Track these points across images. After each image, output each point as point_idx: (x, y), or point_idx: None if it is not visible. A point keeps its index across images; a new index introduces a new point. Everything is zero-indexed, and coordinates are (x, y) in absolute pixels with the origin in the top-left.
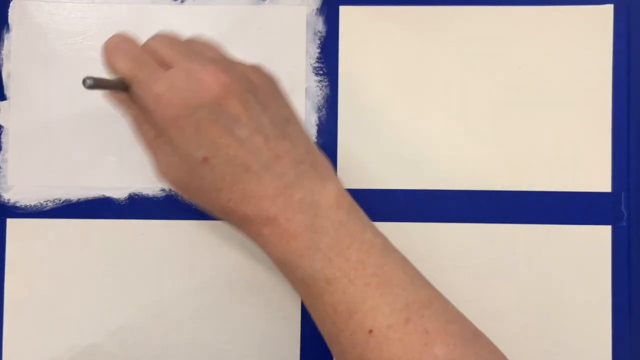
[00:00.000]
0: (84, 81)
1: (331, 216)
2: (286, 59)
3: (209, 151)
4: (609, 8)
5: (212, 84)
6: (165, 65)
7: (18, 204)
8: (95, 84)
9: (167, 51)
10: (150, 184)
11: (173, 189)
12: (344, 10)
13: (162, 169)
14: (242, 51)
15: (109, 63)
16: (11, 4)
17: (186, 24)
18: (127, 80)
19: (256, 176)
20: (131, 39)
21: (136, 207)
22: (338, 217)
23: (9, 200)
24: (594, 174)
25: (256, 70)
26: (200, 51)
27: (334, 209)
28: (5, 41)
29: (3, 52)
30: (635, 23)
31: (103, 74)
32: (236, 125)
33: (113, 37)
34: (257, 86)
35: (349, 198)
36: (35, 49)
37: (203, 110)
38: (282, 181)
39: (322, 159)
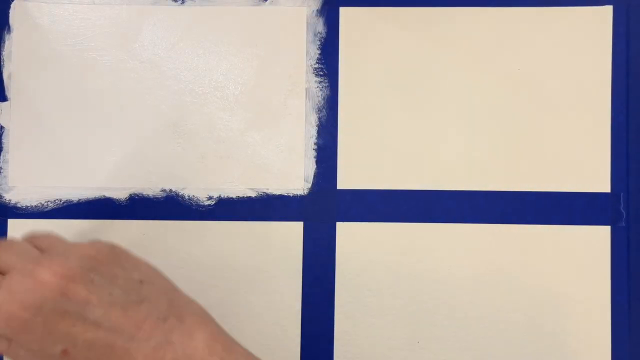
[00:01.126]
0: None
1: None
2: (286, 59)
3: (66, 343)
4: (608, 9)
5: (49, 278)
6: (2, 272)
7: (19, 205)
8: None
9: (2, 256)
10: (150, 184)
11: None
12: (344, 12)
13: None
14: (242, 51)
15: None
16: (12, 5)
17: (186, 25)
18: None
19: (123, 350)
20: None
21: (136, 207)
22: None
23: (10, 201)
24: (593, 175)
25: (93, 245)
26: (39, 246)
27: (208, 357)
28: (6, 42)
29: (4, 53)
30: (634, 24)
31: (104, 78)
32: (87, 309)
33: None
34: (99, 261)
35: (222, 339)
36: (36, 50)
37: (47, 307)
38: (149, 345)
39: (189, 306)
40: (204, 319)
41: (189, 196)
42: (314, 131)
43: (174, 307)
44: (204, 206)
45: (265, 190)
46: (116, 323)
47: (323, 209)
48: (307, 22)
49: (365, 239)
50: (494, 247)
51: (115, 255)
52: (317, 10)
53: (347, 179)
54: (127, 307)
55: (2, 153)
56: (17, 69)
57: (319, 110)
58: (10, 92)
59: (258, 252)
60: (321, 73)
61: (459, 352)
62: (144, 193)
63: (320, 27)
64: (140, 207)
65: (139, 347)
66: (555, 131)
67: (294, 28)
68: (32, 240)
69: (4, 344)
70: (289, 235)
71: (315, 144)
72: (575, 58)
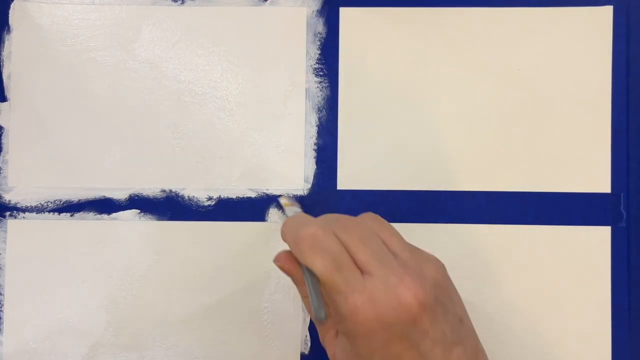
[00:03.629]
0: (317, 312)
1: None
2: (286, 60)
3: None
4: (609, 9)
5: (411, 303)
6: (359, 267)
7: (19, 205)
8: (325, 310)
9: (360, 249)
10: (150, 184)
11: None
12: (344, 12)
13: (334, 356)
14: (242, 51)
15: (307, 259)
16: (12, 5)
17: (186, 25)
18: (323, 280)
19: None
20: (328, 231)
21: (136, 207)
22: None
23: (9, 201)
24: (594, 175)
25: (438, 267)
26: (388, 245)
27: None
28: (6, 42)
29: (4, 53)
30: (634, 24)
31: (104, 78)
32: (422, 340)
33: (309, 228)
34: (442, 290)
35: None
36: (36, 50)
37: (397, 327)
38: None
39: (481, 355)
40: None
41: (189, 196)
42: (314, 131)
43: (477, 352)
44: (204, 206)
45: (265, 191)
46: (435, 359)
47: (323, 209)
48: (307, 22)
49: None
50: (494, 247)
51: (448, 282)
52: (317, 10)
53: (347, 179)
54: (447, 347)
55: (2, 153)
56: (17, 69)
57: (319, 110)
58: (10, 92)
59: (258, 253)
60: (321, 73)
61: None
62: (144, 193)
63: (320, 27)
64: (140, 207)
65: None
66: (555, 131)
67: (294, 28)
68: (380, 232)
69: (332, 332)
70: None
71: (315, 144)
72: (576, 58)
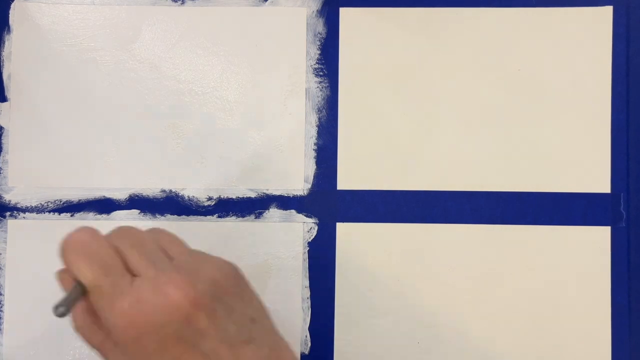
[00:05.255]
0: (55, 309)
1: None
2: (286, 60)
3: None
4: (608, 9)
5: (180, 301)
6: (129, 270)
7: (19, 205)
8: (66, 310)
9: (132, 253)
10: (150, 184)
11: None
12: (344, 12)
13: None
14: (242, 52)
15: (71, 264)
16: (12, 5)
17: (186, 25)
18: (89, 286)
19: None
20: (97, 236)
21: (136, 207)
22: None
23: (9, 201)
24: (594, 175)
25: (222, 269)
26: (166, 250)
27: None
28: (6, 42)
29: (4, 53)
30: (634, 24)
31: (104, 79)
32: (202, 340)
33: (77, 233)
34: (224, 289)
35: None
36: (36, 51)
37: (168, 328)
38: None
39: (287, 352)
40: None
41: (189, 196)
42: (314, 131)
43: (275, 351)
44: (203, 206)
45: (265, 191)
46: (221, 358)
47: (323, 209)
48: (307, 23)
49: (365, 239)
50: (494, 247)
51: (237, 283)
52: (317, 10)
53: (347, 179)
54: (236, 346)
55: (2, 153)
56: (17, 69)
57: (319, 110)
58: (10, 92)
59: (258, 253)
60: (321, 73)
61: (459, 352)
62: (144, 193)
63: (320, 27)
64: (140, 207)
65: None
66: (555, 131)
67: (294, 28)
68: (158, 240)
69: (100, 336)
70: (289, 235)
71: (315, 144)
72: (575, 58)
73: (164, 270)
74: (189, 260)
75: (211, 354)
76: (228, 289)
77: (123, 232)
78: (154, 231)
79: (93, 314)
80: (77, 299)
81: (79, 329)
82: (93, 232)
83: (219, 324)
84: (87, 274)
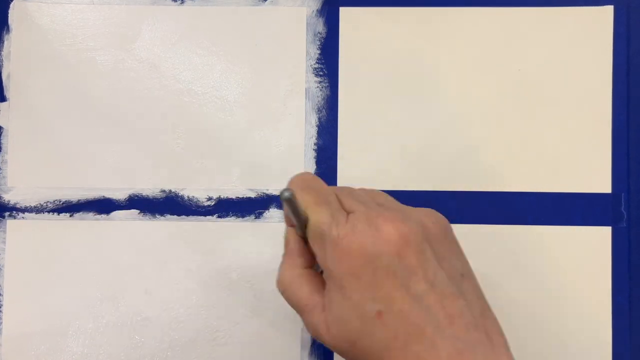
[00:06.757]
0: (283, 192)
1: None
2: (286, 59)
3: (383, 305)
4: (609, 9)
5: (391, 233)
6: (345, 210)
7: (18, 205)
8: (291, 200)
9: (347, 198)
10: (150, 184)
11: (332, 347)
12: (344, 12)
13: (327, 324)
14: (242, 52)
15: (297, 195)
16: (11, 5)
17: (185, 25)
18: (308, 215)
19: (429, 339)
20: (319, 178)
21: (136, 207)
22: None
23: (9, 201)
24: (594, 175)
25: (431, 216)
26: (377, 200)
27: None
28: (5, 42)
29: (3, 53)
30: (635, 24)
31: (104, 78)
32: (412, 280)
33: (301, 174)
34: (433, 235)
35: None
36: (35, 50)
37: (381, 260)
38: (455, 347)
39: (496, 326)
40: (506, 346)
41: (188, 196)
42: (314, 131)
43: (485, 317)
44: (203, 206)
45: (265, 191)
46: (432, 307)
47: None
48: (307, 22)
49: None
50: (494, 247)
51: (447, 234)
52: (317, 10)
53: (347, 179)
54: (446, 296)
55: (2, 153)
56: (16, 69)
57: (319, 110)
58: (9, 92)
59: (258, 253)
60: (321, 73)
61: None
62: (144, 193)
63: (320, 27)
64: (139, 207)
65: (444, 343)
66: (555, 131)
67: (294, 28)
68: (369, 193)
69: (322, 312)
70: None
71: (315, 144)
72: (576, 58)
73: (376, 210)
74: (396, 205)
75: (420, 299)
76: (437, 236)
77: (337, 187)
78: (364, 189)
79: (305, 254)
80: (298, 215)
81: (287, 275)
82: (315, 175)
83: (428, 267)
84: (308, 199)
